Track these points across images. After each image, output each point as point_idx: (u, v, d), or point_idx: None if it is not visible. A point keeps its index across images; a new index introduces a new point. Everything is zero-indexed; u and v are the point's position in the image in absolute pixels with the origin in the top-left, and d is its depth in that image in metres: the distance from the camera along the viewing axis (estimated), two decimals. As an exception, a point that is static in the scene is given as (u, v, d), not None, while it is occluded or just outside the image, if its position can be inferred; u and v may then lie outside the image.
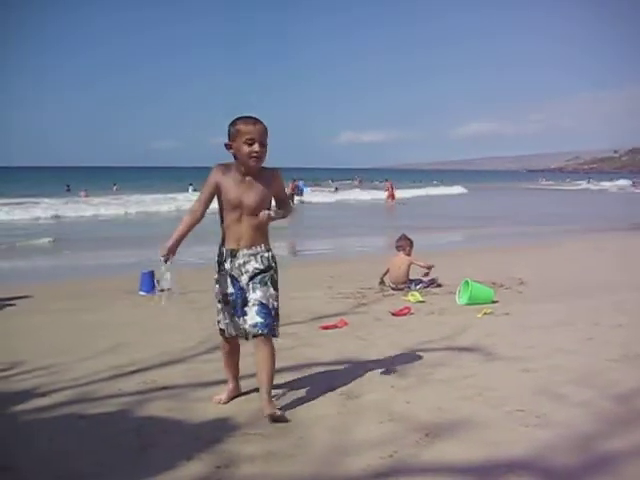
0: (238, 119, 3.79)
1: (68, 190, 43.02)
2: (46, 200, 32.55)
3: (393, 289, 8.47)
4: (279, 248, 14.99)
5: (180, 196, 36.33)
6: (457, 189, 56.50)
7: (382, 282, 8.69)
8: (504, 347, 5.27)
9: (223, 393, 4.15)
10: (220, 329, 4.03)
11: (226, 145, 3.82)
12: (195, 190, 42.51)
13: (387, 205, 35.84)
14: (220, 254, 3.90)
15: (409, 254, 8.72)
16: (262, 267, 3.84)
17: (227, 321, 3.95)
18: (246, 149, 3.72)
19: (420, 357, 5.04)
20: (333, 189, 47.42)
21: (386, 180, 40.51)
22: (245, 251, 3.83)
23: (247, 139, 3.71)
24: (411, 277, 8.63)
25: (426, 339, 5.60)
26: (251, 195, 3.79)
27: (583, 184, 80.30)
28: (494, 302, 7.35)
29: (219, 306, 3.96)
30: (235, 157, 3.82)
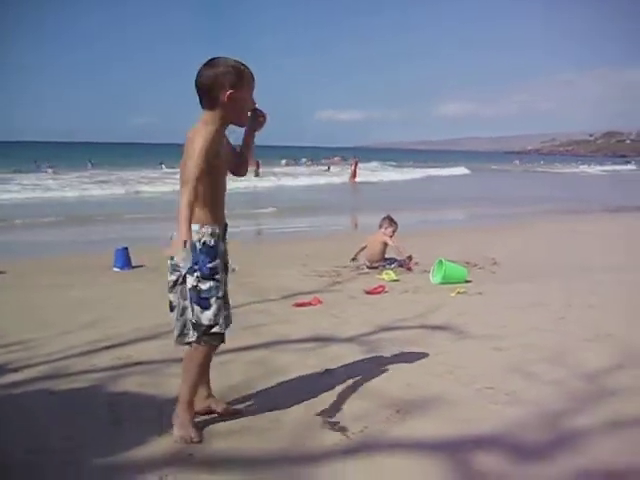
0: (241, 63, 3.07)
1: (38, 167, 42.33)
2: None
3: (368, 267, 8.50)
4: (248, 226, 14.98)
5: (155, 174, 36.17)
6: (460, 170, 56.27)
7: (354, 259, 8.71)
8: (476, 326, 5.32)
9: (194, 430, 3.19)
10: (220, 328, 3.13)
11: (228, 94, 3.02)
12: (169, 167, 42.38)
13: (351, 184, 35.71)
14: (215, 235, 3.08)
15: (390, 235, 8.71)
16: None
17: (225, 318, 3.17)
18: (252, 104, 3.15)
19: (392, 335, 5.08)
20: (325, 168, 47.10)
21: (353, 157, 40.70)
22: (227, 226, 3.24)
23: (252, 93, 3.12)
24: (387, 256, 8.67)
25: (399, 317, 5.64)
26: (229, 153, 3.21)
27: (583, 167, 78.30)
28: (467, 282, 7.41)
29: (220, 302, 3.12)
30: (226, 110, 3.06)
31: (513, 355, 4.51)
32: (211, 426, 3.33)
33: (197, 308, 3.07)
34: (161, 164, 44.13)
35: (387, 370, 4.20)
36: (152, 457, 2.99)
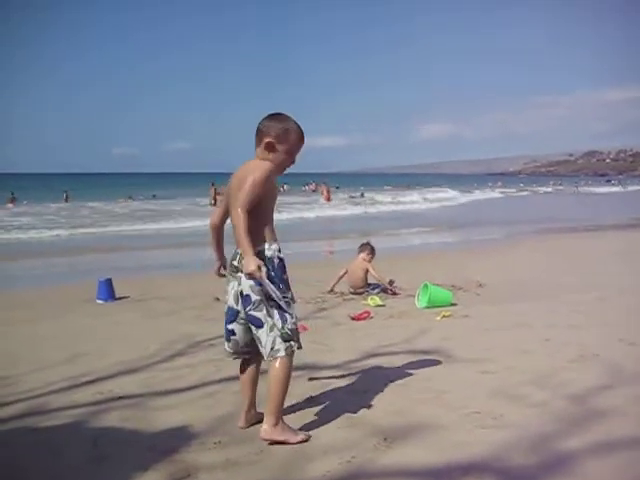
0: (297, 125, 3.51)
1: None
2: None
3: (352, 293, 8.49)
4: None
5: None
6: (495, 194, 57.53)
7: (332, 290, 8.62)
8: (462, 349, 5.30)
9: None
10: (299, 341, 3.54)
11: (273, 144, 3.45)
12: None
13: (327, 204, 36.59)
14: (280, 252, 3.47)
15: (369, 260, 8.71)
16: None
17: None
18: (289, 161, 3.54)
19: (379, 361, 5.05)
20: (359, 194, 47.65)
21: (324, 183, 41.86)
22: None
23: (297, 154, 3.56)
24: (370, 281, 8.67)
25: (385, 343, 5.61)
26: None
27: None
28: (453, 305, 7.40)
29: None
30: (269, 153, 3.46)
31: (499, 378, 4.49)
32: (195, 460, 3.27)
33: (282, 318, 3.42)
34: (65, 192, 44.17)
35: (374, 397, 4.16)
36: (136, 494, 2.93)
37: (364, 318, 6.85)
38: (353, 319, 6.83)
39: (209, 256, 3.64)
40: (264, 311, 3.39)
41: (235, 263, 3.48)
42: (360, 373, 4.73)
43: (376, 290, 8.44)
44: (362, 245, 8.98)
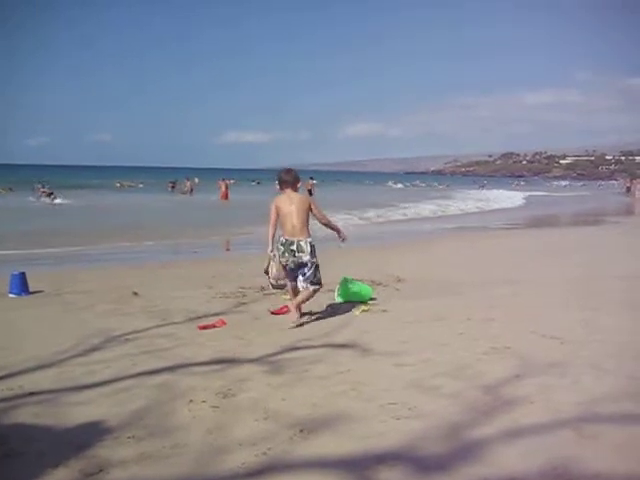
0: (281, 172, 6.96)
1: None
2: None
3: (274, 287, 8.46)
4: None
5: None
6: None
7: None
8: (380, 343, 5.38)
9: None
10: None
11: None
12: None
13: (223, 203, 35.26)
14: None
15: None
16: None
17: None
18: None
19: (297, 354, 5.08)
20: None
21: (222, 179, 40.68)
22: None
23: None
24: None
25: (304, 337, 5.65)
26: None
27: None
28: (372, 299, 7.49)
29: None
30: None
31: (415, 370, 4.58)
32: (109, 455, 3.21)
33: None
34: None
35: (291, 390, 4.18)
36: (45, 491, 2.86)
37: (284, 312, 6.85)
38: (273, 313, 6.83)
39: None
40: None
41: (293, 247, 6.49)
42: (278, 366, 4.75)
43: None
44: None
